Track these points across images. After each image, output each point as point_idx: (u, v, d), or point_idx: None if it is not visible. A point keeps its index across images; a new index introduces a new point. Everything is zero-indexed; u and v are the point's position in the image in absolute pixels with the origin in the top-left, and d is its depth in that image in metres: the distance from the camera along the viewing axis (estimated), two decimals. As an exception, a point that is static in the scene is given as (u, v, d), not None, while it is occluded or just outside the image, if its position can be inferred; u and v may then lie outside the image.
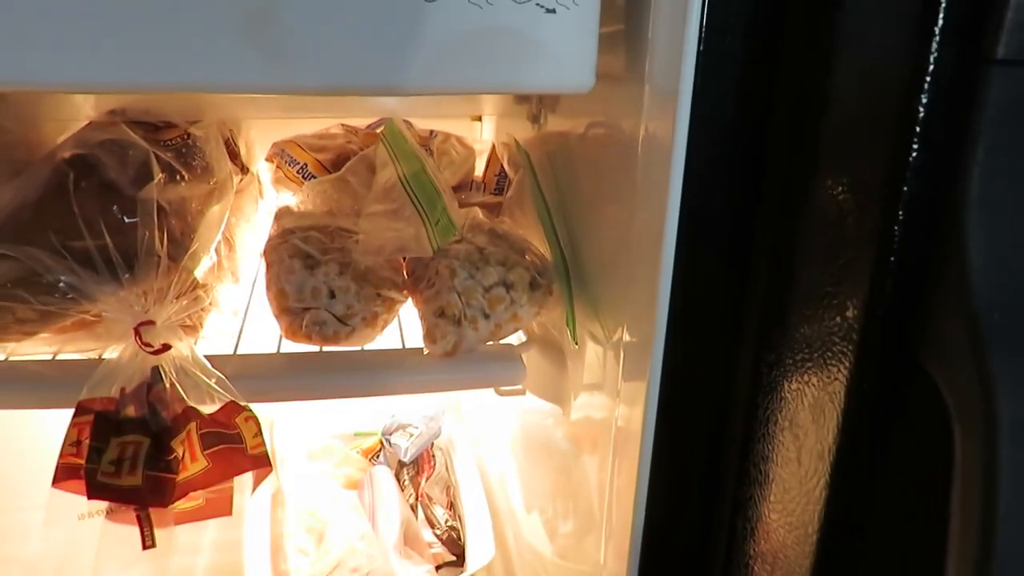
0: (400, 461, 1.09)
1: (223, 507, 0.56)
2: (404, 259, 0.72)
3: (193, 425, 0.53)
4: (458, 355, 0.64)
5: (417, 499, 1.04)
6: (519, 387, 0.77)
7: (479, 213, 0.72)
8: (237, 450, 0.53)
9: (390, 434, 1.11)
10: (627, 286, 0.56)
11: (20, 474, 0.76)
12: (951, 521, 0.34)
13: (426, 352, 0.64)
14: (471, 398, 1.16)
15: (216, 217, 0.67)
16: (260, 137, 0.89)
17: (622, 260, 0.57)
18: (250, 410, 0.55)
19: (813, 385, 0.41)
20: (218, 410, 0.54)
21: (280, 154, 0.85)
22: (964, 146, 0.34)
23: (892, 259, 0.36)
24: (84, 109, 0.71)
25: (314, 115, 0.92)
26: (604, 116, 0.60)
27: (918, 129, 0.34)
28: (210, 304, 0.62)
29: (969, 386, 0.33)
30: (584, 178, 0.67)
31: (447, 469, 1.09)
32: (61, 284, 0.57)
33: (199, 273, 0.65)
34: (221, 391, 0.55)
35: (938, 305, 0.36)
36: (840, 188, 0.39)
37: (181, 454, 0.53)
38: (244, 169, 0.81)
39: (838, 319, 0.39)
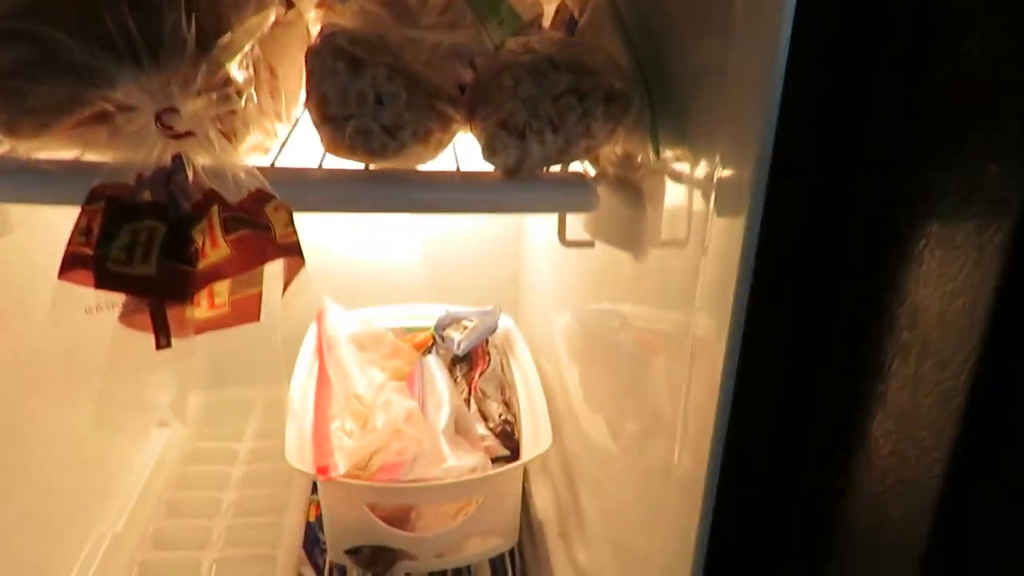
0: (454, 356, 1.02)
1: (250, 312, 0.49)
2: (462, 91, 0.64)
3: (215, 209, 0.45)
4: (522, 175, 0.56)
5: (470, 394, 0.97)
6: (588, 238, 0.69)
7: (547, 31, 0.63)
8: (264, 237, 0.46)
9: (443, 328, 1.04)
10: (722, 110, 0.46)
11: (26, 271, 0.69)
12: None
13: (485, 163, 0.55)
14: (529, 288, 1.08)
15: (254, 25, 0.60)
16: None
17: (716, 81, 0.47)
18: (281, 200, 0.47)
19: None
20: (244, 198, 0.47)
21: (330, -5, 0.77)
22: None
23: None
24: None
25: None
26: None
27: None
28: (245, 105, 0.55)
29: None
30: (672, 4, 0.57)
31: (502, 368, 1.02)
32: (78, 65, 0.50)
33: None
34: (251, 180, 0.47)
35: None
36: None
37: (201, 244, 0.46)
38: (290, 3, 0.74)
39: None
